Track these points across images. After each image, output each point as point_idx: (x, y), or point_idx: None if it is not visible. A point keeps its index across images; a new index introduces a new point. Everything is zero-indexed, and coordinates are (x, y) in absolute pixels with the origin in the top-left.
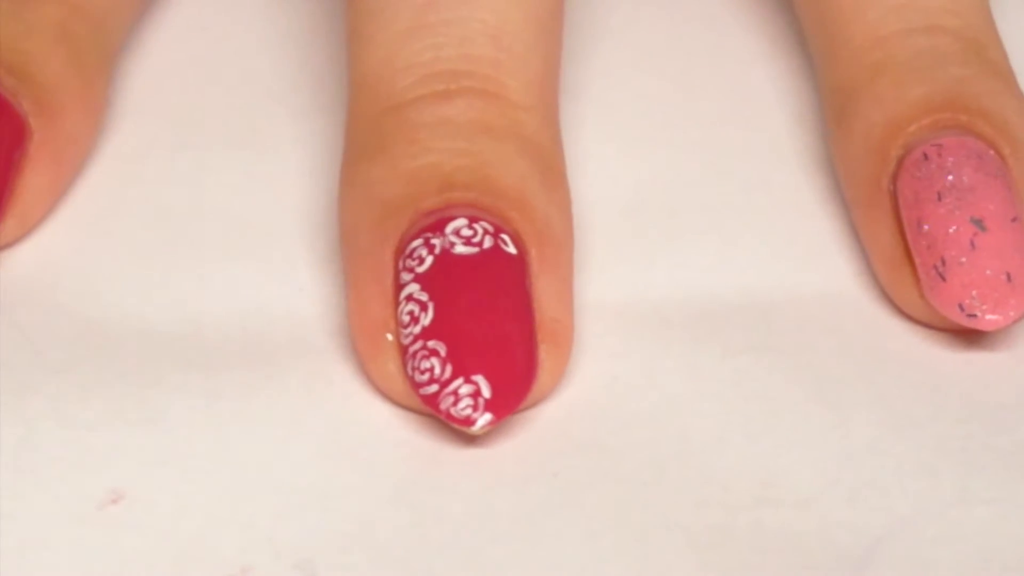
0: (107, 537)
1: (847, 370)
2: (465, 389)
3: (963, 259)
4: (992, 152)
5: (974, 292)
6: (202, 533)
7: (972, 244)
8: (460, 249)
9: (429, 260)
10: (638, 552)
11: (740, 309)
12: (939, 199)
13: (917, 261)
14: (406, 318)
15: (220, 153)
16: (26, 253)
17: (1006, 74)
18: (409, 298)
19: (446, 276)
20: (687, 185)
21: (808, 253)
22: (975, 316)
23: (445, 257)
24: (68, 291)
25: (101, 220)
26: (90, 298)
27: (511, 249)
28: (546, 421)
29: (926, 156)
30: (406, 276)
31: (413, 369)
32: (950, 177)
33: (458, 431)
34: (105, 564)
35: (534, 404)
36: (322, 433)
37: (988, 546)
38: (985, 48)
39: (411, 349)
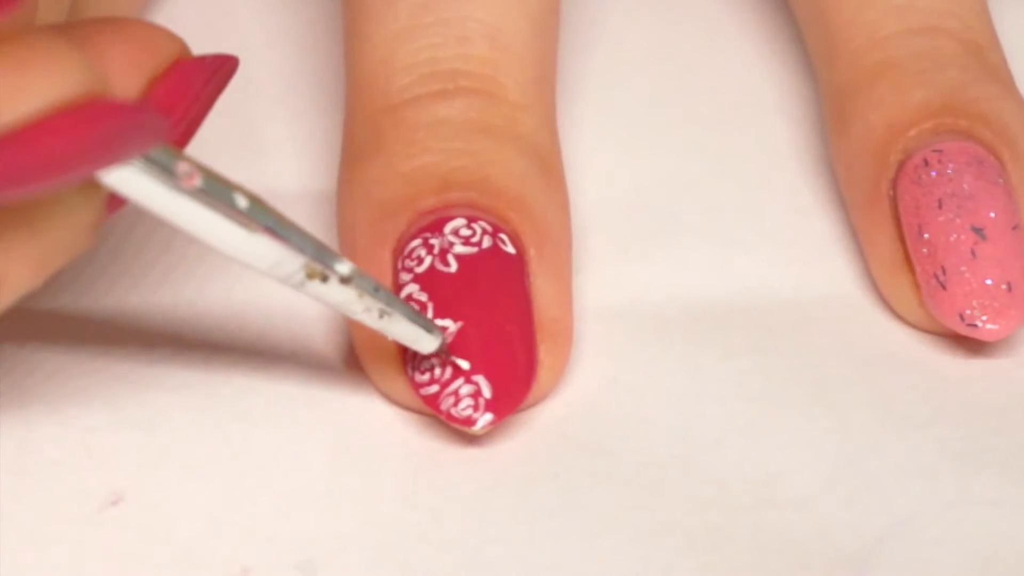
0: (107, 538)
1: (847, 372)
2: (466, 389)
3: (963, 268)
4: (992, 158)
5: (975, 302)
6: (203, 533)
7: (973, 253)
8: (459, 249)
9: (428, 260)
10: (638, 552)
11: (740, 310)
12: (939, 206)
13: (917, 268)
14: None
15: (218, 153)
16: None
17: (1005, 78)
18: (408, 298)
19: (445, 276)
20: (687, 185)
21: (808, 254)
22: (975, 326)
23: (444, 257)
24: (68, 292)
25: None
26: (90, 298)
27: (510, 249)
28: (546, 421)
29: (926, 162)
30: (405, 276)
31: (413, 370)
32: (950, 184)
33: (458, 431)
34: (106, 565)
35: (534, 403)
36: (322, 434)
37: (988, 546)
38: (984, 51)
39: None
